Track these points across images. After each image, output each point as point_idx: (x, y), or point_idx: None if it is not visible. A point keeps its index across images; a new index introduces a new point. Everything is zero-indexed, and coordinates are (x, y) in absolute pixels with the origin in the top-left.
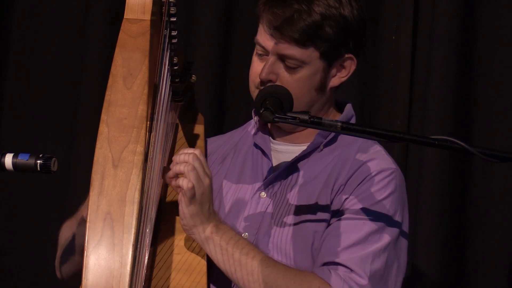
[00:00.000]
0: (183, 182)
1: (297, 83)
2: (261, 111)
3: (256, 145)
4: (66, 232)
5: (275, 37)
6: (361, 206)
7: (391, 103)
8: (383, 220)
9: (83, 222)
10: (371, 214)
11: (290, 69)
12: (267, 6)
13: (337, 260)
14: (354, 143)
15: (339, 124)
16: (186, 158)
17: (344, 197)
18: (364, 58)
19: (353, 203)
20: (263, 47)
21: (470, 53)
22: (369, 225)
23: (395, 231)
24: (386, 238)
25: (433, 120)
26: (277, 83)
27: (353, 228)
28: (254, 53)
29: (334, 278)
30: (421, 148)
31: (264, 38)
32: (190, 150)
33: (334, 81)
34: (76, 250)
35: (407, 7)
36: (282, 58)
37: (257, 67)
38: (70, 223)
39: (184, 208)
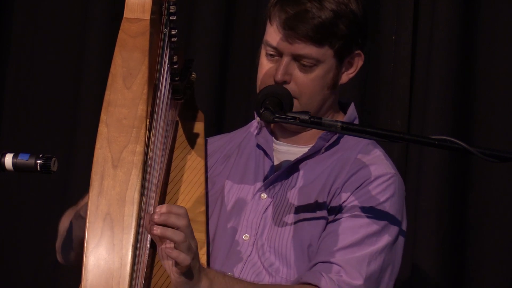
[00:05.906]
0: (180, 258)
1: (312, 82)
2: (261, 111)
3: (258, 146)
4: (65, 222)
5: (289, 37)
6: (359, 209)
7: (391, 103)
8: (380, 223)
9: (79, 217)
10: (369, 216)
11: (305, 69)
12: (278, 5)
13: (332, 260)
14: (355, 147)
15: (339, 124)
16: (177, 223)
17: (342, 199)
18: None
19: (351, 205)
20: (275, 48)
21: (470, 53)
22: (366, 227)
23: (392, 234)
24: (383, 240)
25: (433, 120)
26: (292, 83)
27: (350, 230)
28: (263, 53)
29: (325, 281)
30: (421, 148)
31: (276, 38)
32: (182, 214)
33: (343, 78)
34: (73, 241)
35: (407, 8)
36: (297, 58)
37: (268, 68)
38: (70, 213)
39: (177, 278)
